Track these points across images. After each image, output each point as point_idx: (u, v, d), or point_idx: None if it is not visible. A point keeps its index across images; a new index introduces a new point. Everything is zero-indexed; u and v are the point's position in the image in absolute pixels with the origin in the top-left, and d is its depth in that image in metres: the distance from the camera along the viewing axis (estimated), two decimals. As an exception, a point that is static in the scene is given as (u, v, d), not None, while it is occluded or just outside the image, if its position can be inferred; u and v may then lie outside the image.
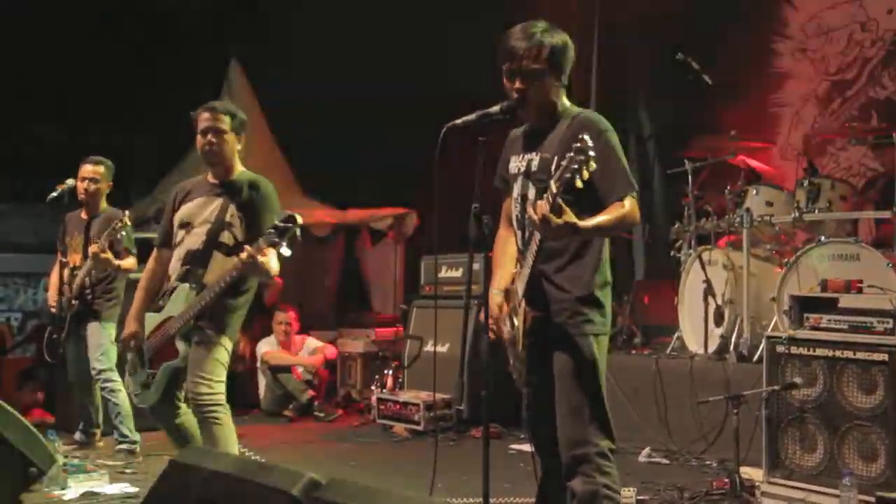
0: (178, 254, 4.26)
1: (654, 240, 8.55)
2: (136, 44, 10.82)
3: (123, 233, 5.57)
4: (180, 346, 4.14)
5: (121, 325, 5.45)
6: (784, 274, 5.61)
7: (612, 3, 9.08)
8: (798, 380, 4.43)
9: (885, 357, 4.14)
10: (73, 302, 5.91)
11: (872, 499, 3.99)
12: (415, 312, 7.60)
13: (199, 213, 4.25)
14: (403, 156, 8.22)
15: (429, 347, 7.03)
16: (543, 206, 2.86)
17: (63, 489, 4.80)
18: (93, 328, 5.94)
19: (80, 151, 6.21)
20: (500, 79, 3.22)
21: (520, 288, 3.22)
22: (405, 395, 6.96)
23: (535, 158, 3.23)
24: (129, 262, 5.80)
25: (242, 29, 10.74)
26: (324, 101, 9.57)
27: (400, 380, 7.36)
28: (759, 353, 5.55)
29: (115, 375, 5.88)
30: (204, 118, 4.23)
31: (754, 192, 6.27)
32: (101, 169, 6.06)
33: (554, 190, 2.84)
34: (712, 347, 6.18)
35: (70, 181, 5.94)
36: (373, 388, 7.37)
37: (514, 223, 3.36)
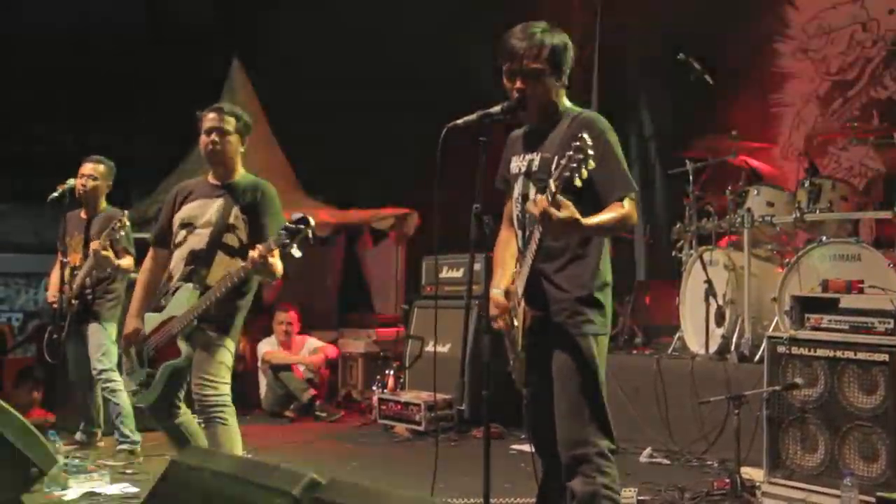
0: (180, 254, 4.26)
1: (655, 240, 8.56)
2: (137, 43, 10.81)
3: (122, 233, 5.56)
4: (183, 346, 4.14)
5: (122, 325, 5.46)
6: (785, 274, 5.60)
7: (613, 4, 9.08)
8: (799, 380, 4.43)
9: (886, 357, 4.14)
10: (74, 302, 5.91)
11: (873, 499, 3.99)
12: (416, 313, 7.60)
13: (201, 214, 4.25)
14: (405, 156, 8.22)
15: (430, 348, 7.03)
16: (543, 200, 2.86)
17: (63, 489, 4.80)
18: (93, 328, 5.93)
19: (81, 151, 6.22)
20: (501, 79, 3.23)
21: (519, 287, 3.22)
22: (406, 396, 6.95)
23: (536, 158, 3.23)
24: (127, 261, 5.79)
25: (244, 29, 10.74)
26: (325, 100, 9.57)
27: (401, 380, 7.36)
28: (760, 353, 5.56)
29: (116, 376, 5.88)
30: (210, 118, 4.27)
31: (755, 192, 6.26)
32: (101, 168, 6.05)
33: (553, 189, 2.84)
34: (713, 347, 6.18)
35: (70, 181, 5.94)
36: (374, 388, 7.37)
37: (515, 223, 3.36)
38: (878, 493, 3.98)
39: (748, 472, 4.72)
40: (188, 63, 10.29)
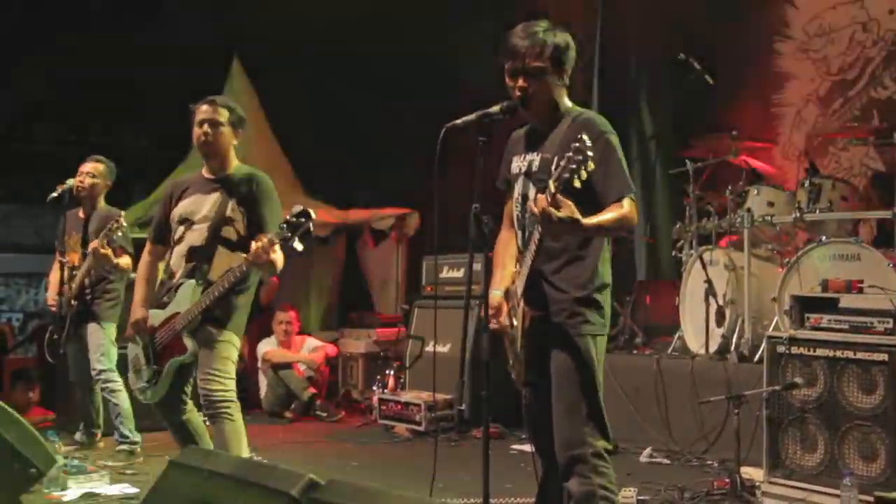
0: (180, 250, 4.26)
1: (655, 240, 8.56)
2: (137, 43, 10.80)
3: (119, 233, 5.56)
4: (188, 342, 4.14)
5: (121, 325, 5.46)
6: (785, 274, 5.60)
7: (614, 4, 9.08)
8: (799, 380, 4.43)
9: (886, 357, 4.14)
10: (73, 302, 5.90)
11: (872, 499, 3.98)
12: (416, 312, 7.60)
13: (198, 209, 4.25)
14: (405, 156, 8.22)
15: (430, 348, 7.03)
16: (543, 200, 2.86)
17: (63, 490, 4.80)
18: (92, 329, 5.93)
19: (81, 151, 6.22)
20: (503, 78, 3.23)
21: (519, 288, 3.22)
22: (407, 396, 6.95)
23: (536, 159, 3.24)
24: (125, 261, 5.78)
25: (244, 28, 10.72)
26: (326, 100, 9.57)
27: (401, 380, 7.35)
28: (759, 353, 5.55)
29: (116, 376, 5.88)
30: (202, 110, 4.27)
31: (755, 192, 6.26)
32: (101, 167, 6.05)
33: (552, 189, 2.84)
34: (713, 347, 6.17)
35: (70, 181, 5.93)
36: (374, 388, 7.36)
37: (515, 223, 3.36)
38: (877, 493, 3.98)
39: (748, 472, 4.72)
40: (189, 63, 10.28)
